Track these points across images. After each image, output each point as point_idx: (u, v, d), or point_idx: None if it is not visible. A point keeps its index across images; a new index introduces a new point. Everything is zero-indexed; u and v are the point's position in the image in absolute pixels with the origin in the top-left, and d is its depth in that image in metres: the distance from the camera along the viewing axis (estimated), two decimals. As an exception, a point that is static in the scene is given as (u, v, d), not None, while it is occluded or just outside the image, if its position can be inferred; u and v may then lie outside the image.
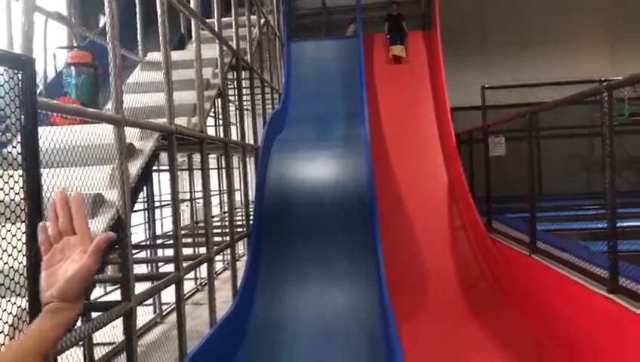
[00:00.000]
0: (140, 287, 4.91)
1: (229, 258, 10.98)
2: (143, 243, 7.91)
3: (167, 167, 8.62)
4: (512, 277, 6.69)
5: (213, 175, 11.75)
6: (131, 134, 4.22)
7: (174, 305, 8.57)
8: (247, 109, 9.74)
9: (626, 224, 6.93)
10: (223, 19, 6.96)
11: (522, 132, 6.91)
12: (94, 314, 3.99)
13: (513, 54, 13.48)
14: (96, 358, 5.93)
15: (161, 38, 4.54)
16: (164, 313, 8.03)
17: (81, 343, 5.91)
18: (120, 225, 3.58)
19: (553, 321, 5.30)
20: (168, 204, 9.24)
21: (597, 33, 13.49)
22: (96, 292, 6.95)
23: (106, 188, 3.74)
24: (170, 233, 8.72)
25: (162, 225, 9.13)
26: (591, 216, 7.94)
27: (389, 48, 11.43)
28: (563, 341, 5.03)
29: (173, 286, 4.51)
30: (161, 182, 9.45)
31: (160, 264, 7.81)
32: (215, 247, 5.82)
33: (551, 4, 13.36)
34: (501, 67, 13.32)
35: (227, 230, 7.19)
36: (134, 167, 4.07)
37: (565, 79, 11.15)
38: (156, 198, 8.97)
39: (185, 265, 5.22)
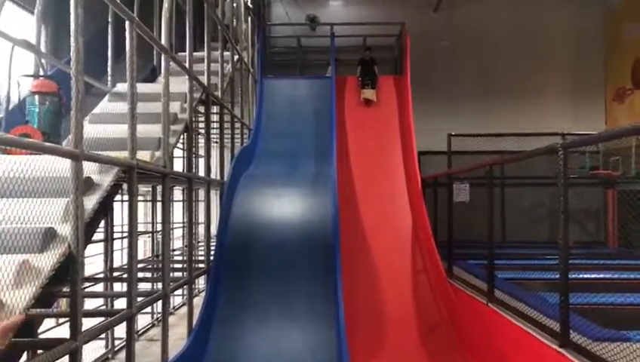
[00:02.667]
0: (92, 322, 4.80)
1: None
2: (101, 275, 7.71)
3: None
4: (470, 324, 6.72)
5: (178, 207, 11.64)
6: (90, 167, 4.18)
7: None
8: (215, 142, 9.73)
9: (584, 276, 7.09)
10: (195, 54, 7.00)
11: (486, 179, 7.04)
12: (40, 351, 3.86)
13: (481, 103, 13.84)
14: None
15: (128, 73, 4.53)
16: (116, 348, 7.79)
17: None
18: (71, 262, 3.50)
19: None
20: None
21: (561, 89, 13.99)
22: (48, 324, 6.72)
23: (58, 222, 3.67)
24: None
25: (122, 256, 8.95)
26: (550, 266, 8.06)
27: (360, 91, 11.68)
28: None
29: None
30: (124, 212, 9.31)
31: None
32: (172, 284, 5.71)
33: (519, 59, 13.85)
34: (469, 115, 13.64)
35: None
36: (91, 202, 4.01)
37: (531, 130, 11.49)
38: (117, 229, 8.81)
39: (140, 300, 5.12)
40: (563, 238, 4.54)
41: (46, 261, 3.36)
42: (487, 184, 6.71)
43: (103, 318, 4.98)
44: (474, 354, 6.32)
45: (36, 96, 5.06)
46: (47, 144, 3.52)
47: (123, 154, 4.52)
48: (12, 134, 4.34)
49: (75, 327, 3.49)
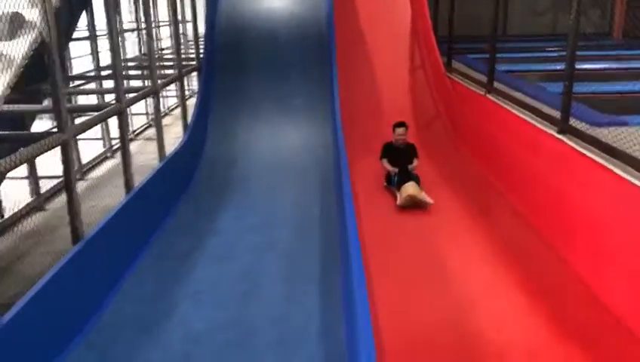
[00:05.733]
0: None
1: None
2: (89, 74, 7.46)
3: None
4: (467, 117, 6.68)
5: (163, 3, 10.95)
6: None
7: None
8: None
9: (586, 67, 6.89)
10: None
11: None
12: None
13: None
14: (42, 191, 5.83)
15: None
16: (114, 147, 7.86)
17: (26, 176, 5.79)
18: (45, 50, 3.25)
19: (503, 161, 5.38)
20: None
21: None
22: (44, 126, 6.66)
23: (26, 8, 3.34)
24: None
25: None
26: (553, 58, 7.83)
27: (394, 194, 5.35)
28: (510, 180, 5.14)
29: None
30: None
31: (107, 97, 7.46)
32: (161, 80, 5.51)
33: None
34: None
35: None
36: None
37: None
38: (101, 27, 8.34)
39: (130, 96, 4.97)
40: (574, 21, 4.23)
41: (17, 48, 3.11)
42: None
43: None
44: (471, 146, 6.36)
45: None
46: None
47: None
48: None
49: (60, 119, 3.36)
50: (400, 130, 5.66)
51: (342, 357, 3.00)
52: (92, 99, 7.85)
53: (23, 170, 5.61)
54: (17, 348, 2.71)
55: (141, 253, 4.34)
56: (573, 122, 4.36)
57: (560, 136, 4.34)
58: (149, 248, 4.45)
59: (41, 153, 3.28)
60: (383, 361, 2.59)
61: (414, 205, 4.95)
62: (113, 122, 7.38)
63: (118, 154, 7.89)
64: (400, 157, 5.54)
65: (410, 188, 5.02)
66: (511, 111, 5.30)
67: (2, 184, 5.32)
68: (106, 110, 4.12)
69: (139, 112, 9.00)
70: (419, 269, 4.00)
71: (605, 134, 4.04)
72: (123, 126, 4.32)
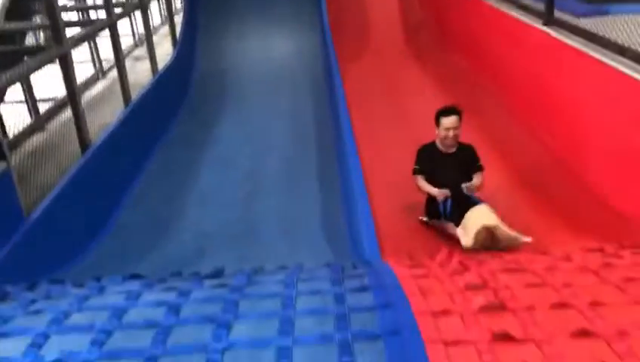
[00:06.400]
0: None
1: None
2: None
3: None
4: (454, 19, 6.71)
5: None
6: None
7: (114, 61, 8.36)
8: None
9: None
10: None
11: None
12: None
13: None
14: (41, 112, 5.92)
15: None
16: (104, 70, 7.84)
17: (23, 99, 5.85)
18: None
19: (490, 58, 5.49)
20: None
21: None
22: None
23: None
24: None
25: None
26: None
27: (454, 231, 3.09)
28: (497, 76, 5.28)
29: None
30: None
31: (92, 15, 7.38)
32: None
33: None
34: None
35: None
36: None
37: None
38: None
39: (117, 11, 4.99)
40: None
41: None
42: None
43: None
44: (458, 47, 6.44)
45: None
46: None
47: None
48: None
49: (57, 32, 3.44)
50: (449, 122, 3.27)
51: (344, 238, 3.27)
52: (71, 18, 7.74)
53: (19, 94, 5.66)
54: (44, 242, 2.94)
55: (147, 162, 4.53)
56: (557, 15, 4.47)
57: (545, 29, 4.44)
58: (154, 158, 4.63)
59: (42, 66, 3.37)
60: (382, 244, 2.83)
61: (492, 245, 2.87)
62: (101, 42, 7.37)
63: (109, 76, 7.88)
64: (448, 170, 3.27)
65: (484, 215, 2.93)
66: (496, 8, 5.36)
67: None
68: (97, 24, 4.18)
69: (123, 34, 8.88)
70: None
71: (587, 23, 4.16)
72: (116, 38, 4.38)
